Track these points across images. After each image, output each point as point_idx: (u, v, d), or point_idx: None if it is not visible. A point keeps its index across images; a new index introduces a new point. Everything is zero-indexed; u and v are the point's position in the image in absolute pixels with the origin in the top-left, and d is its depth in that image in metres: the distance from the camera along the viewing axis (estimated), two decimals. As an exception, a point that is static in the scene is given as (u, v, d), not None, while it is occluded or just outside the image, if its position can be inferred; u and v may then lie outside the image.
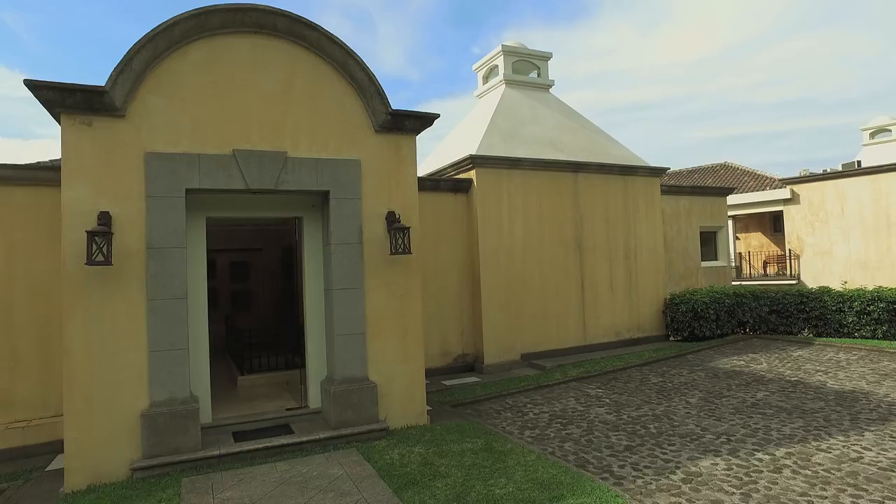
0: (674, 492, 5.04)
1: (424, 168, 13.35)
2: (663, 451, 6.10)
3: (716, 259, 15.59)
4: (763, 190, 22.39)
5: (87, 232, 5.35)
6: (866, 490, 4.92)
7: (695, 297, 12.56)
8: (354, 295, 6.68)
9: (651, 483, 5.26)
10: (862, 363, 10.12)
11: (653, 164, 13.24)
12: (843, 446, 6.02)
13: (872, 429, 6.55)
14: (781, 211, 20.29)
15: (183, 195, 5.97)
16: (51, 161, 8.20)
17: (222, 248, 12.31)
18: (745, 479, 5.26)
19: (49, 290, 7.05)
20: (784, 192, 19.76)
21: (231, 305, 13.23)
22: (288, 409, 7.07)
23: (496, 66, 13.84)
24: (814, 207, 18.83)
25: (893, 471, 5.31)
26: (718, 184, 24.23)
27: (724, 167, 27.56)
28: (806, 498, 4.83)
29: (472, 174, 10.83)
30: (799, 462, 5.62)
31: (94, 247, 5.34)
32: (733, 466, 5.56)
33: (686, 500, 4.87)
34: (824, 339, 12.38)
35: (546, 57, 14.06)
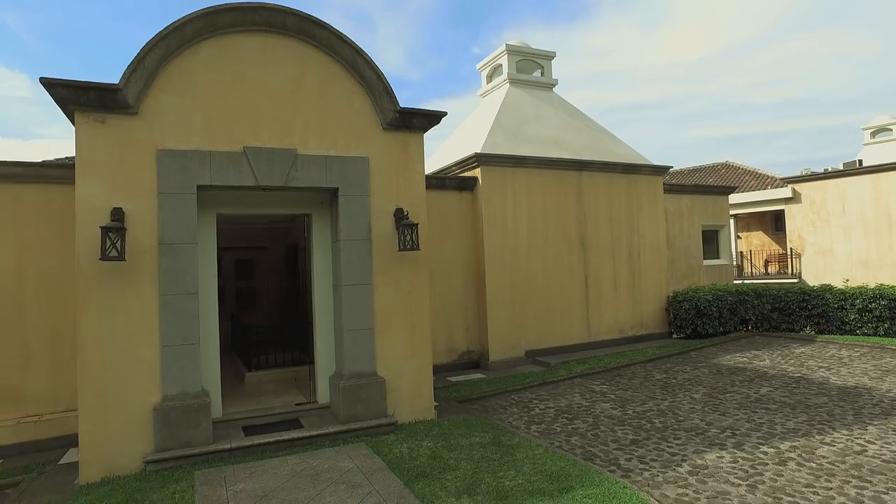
0: (681, 483, 5.12)
1: (428, 167, 13.40)
2: (669, 444, 6.18)
3: (718, 257, 15.67)
4: (764, 189, 22.45)
5: (101, 228, 5.42)
6: (870, 482, 5.00)
7: (697, 294, 12.63)
8: (363, 291, 6.75)
9: (658, 475, 5.33)
10: (864, 360, 10.19)
11: (653, 163, 13.32)
12: (847, 440, 6.09)
13: (875, 423, 6.62)
14: (783, 210, 20.35)
15: (194, 192, 6.04)
16: (65, 158, 8.28)
17: (227, 246, 12.33)
18: (751, 471, 5.33)
19: (60, 287, 7.13)
20: (785, 191, 19.82)
21: (236, 303, 13.29)
22: (297, 405, 7.14)
23: (500, 66, 13.91)
24: (815, 206, 18.89)
25: (897, 463, 5.38)
26: (720, 183, 24.30)
27: (726, 166, 27.64)
28: (811, 489, 4.90)
29: (477, 172, 10.90)
30: (803, 455, 5.69)
31: (108, 242, 5.41)
32: (739, 459, 5.64)
33: (693, 491, 4.95)
34: (826, 336, 12.45)
35: (549, 56, 14.14)
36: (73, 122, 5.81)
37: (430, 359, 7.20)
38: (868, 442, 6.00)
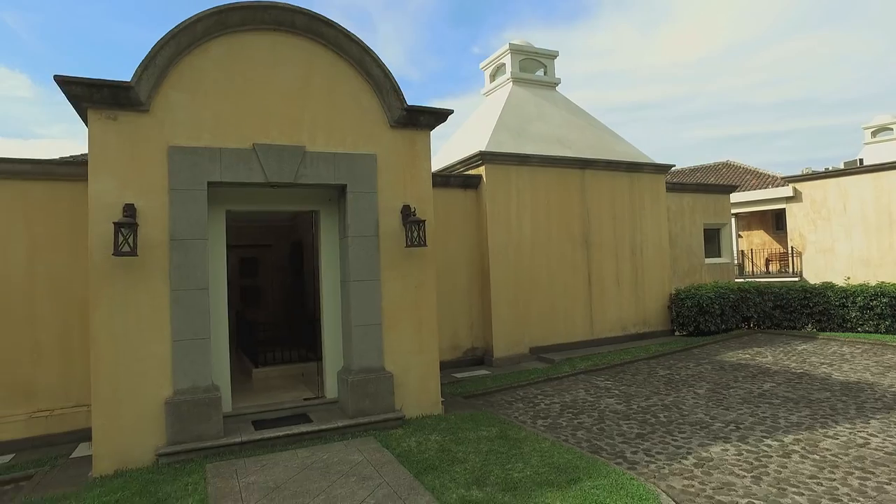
0: (686, 475, 5.19)
1: (431, 166, 13.45)
2: (674, 438, 6.25)
3: (719, 256, 15.74)
4: (765, 188, 22.53)
5: (113, 223, 5.49)
6: (873, 473, 5.07)
7: (700, 292, 12.70)
8: (371, 287, 6.82)
9: (664, 467, 5.40)
10: (866, 356, 10.26)
11: (656, 162, 13.38)
12: (850, 433, 6.16)
13: (878, 417, 6.69)
14: (784, 209, 20.43)
15: (205, 188, 6.11)
16: (70, 157, 8.34)
17: (232, 244, 12.39)
18: (756, 463, 5.40)
19: (70, 284, 7.20)
20: (786, 190, 19.90)
21: (241, 301, 13.37)
22: (305, 399, 7.21)
23: (503, 65, 13.98)
24: (816, 205, 18.97)
25: (900, 455, 5.45)
26: (721, 182, 24.36)
27: (727, 165, 27.72)
28: (815, 480, 4.98)
29: (481, 170, 10.97)
30: (807, 448, 5.76)
31: (121, 238, 5.48)
32: (743, 452, 5.71)
33: (699, 483, 5.02)
34: (828, 333, 12.52)
35: (553, 55, 14.21)
36: (84, 119, 5.89)
37: (437, 354, 7.27)
38: (871, 435, 6.07)
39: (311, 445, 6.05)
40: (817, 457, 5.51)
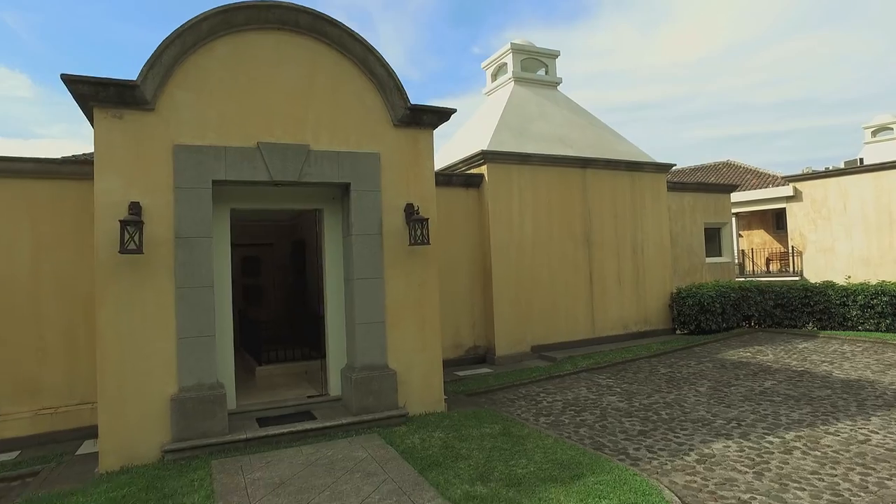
0: (689, 471, 5.23)
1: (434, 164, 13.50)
2: (676, 435, 6.29)
3: (720, 255, 15.79)
4: (765, 188, 22.57)
5: (119, 221, 5.52)
6: (874, 469, 5.11)
7: (701, 290, 12.74)
8: (375, 284, 6.86)
9: (667, 464, 5.44)
10: (866, 354, 10.30)
11: (657, 161, 13.42)
12: (851, 430, 6.20)
13: (879, 414, 6.73)
14: (784, 208, 20.47)
15: (210, 186, 6.15)
16: (71, 156, 8.39)
17: (234, 243, 12.44)
18: (757, 459, 5.44)
19: (75, 283, 7.24)
20: (787, 190, 19.94)
21: (243, 300, 13.40)
22: (309, 397, 7.25)
23: (505, 64, 14.02)
24: (816, 205, 19.02)
25: (901, 452, 5.49)
26: (721, 182, 24.38)
27: (727, 165, 27.75)
28: (816, 476, 5.01)
29: (483, 169, 11.01)
30: (808, 444, 5.80)
31: (127, 235, 5.52)
32: (745, 448, 5.75)
33: (701, 478, 5.06)
34: (828, 332, 12.56)
35: (554, 55, 14.25)
36: (90, 118, 5.93)
37: (440, 352, 7.31)
38: (872, 432, 6.11)
39: (315, 442, 6.09)
40: (818, 453, 5.55)
